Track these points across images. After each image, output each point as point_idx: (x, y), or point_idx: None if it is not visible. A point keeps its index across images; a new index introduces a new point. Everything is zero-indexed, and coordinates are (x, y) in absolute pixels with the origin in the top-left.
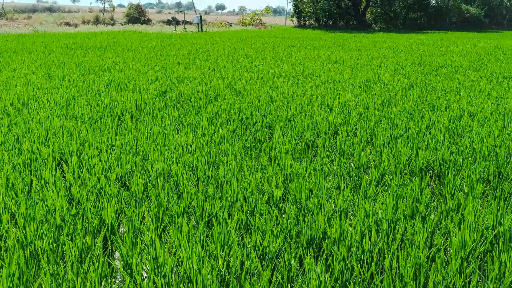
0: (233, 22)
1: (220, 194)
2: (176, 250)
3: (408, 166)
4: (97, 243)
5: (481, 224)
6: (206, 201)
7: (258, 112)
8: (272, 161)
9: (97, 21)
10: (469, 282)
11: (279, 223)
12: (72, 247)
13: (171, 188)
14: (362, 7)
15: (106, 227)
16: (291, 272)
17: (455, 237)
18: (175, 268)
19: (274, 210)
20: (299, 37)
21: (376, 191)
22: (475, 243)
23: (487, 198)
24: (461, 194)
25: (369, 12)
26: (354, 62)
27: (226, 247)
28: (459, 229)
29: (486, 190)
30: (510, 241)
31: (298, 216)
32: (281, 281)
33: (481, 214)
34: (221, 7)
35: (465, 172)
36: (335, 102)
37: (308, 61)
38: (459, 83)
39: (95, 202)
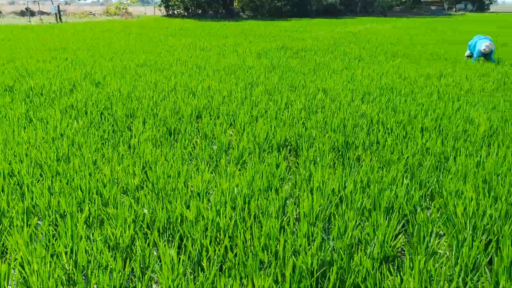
0: (97, 13)
1: (70, 189)
2: (16, 255)
3: (267, 143)
4: None
5: (328, 189)
6: (53, 198)
7: (119, 101)
8: (132, 150)
9: None
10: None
11: (134, 211)
12: None
13: (14, 189)
14: None
15: None
16: (145, 260)
17: (303, 204)
18: (12, 274)
19: (128, 199)
20: (167, 26)
21: (236, 169)
22: (321, 207)
23: (335, 166)
24: (313, 165)
25: (237, 1)
26: (221, 49)
27: (73, 243)
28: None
29: (335, 158)
30: (352, 203)
31: (154, 202)
32: (135, 268)
33: (329, 181)
34: None
35: (317, 144)
36: (199, 87)
37: (175, 49)
38: (316, 64)
39: None
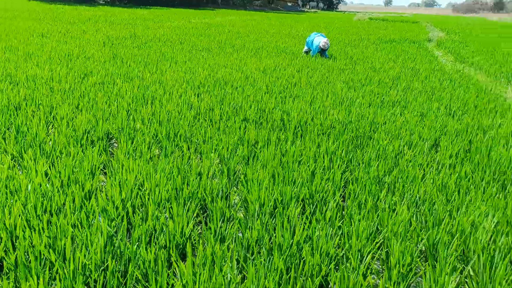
0: None
1: None
2: None
3: (88, 136)
4: None
5: (131, 181)
6: None
7: None
8: None
9: None
10: None
11: None
12: None
13: None
14: None
15: None
16: None
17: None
18: None
19: None
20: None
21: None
22: (126, 196)
23: (153, 158)
24: (132, 158)
25: None
26: (63, 36)
27: None
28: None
29: (156, 149)
30: (155, 193)
31: None
32: None
33: (132, 172)
34: None
35: (138, 137)
36: (22, 77)
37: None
38: (161, 54)
39: None
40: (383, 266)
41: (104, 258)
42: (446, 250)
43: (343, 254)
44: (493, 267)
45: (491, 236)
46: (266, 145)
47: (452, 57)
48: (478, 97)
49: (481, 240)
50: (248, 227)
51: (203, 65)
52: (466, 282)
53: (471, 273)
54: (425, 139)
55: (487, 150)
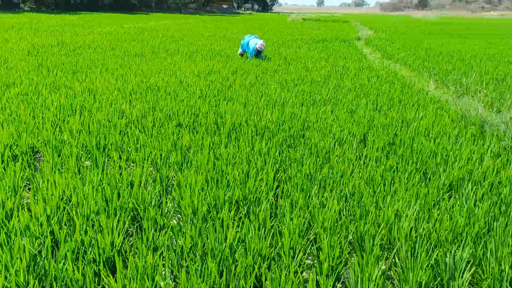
0: None
1: None
2: None
3: (8, 151)
4: None
5: (57, 195)
6: None
7: None
8: None
9: None
10: None
11: None
12: None
13: None
14: None
15: None
16: None
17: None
18: None
19: None
20: None
21: None
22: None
23: (80, 171)
24: (58, 172)
25: None
26: None
27: None
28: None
29: (86, 160)
30: (82, 206)
31: None
32: None
33: (59, 186)
34: None
35: (65, 150)
36: None
37: None
38: (91, 61)
39: None
40: (315, 261)
41: (28, 279)
42: (372, 240)
43: (277, 252)
44: (415, 253)
45: (414, 223)
46: (199, 150)
47: (380, 54)
48: (403, 92)
49: (404, 228)
50: (181, 234)
51: (136, 71)
52: (391, 269)
53: (396, 260)
54: (354, 135)
55: (410, 142)
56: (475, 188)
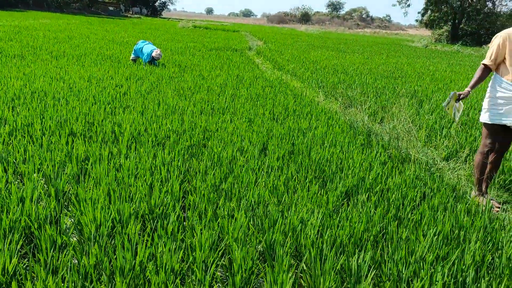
0: None
1: None
2: None
3: None
4: None
5: None
6: None
7: None
8: None
9: None
10: None
11: None
12: None
13: None
14: None
15: None
16: None
17: None
18: None
19: None
20: None
21: None
22: None
23: None
24: None
25: None
26: None
27: None
28: None
29: None
30: None
31: None
32: None
33: None
34: None
35: None
36: None
37: None
38: None
39: None
40: (227, 273)
41: None
42: (282, 249)
43: (188, 267)
44: (323, 259)
45: (318, 230)
46: (98, 160)
47: (271, 65)
48: (296, 102)
49: (310, 235)
50: (84, 252)
51: (17, 74)
52: (301, 276)
53: (305, 267)
54: (255, 144)
55: (307, 151)
56: (368, 195)
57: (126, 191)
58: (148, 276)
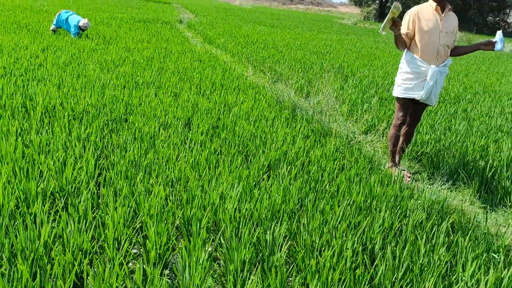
0: None
1: None
2: None
3: None
4: None
5: None
6: None
7: None
8: None
9: None
10: None
11: None
12: None
13: None
14: None
15: None
16: None
17: None
18: None
19: None
20: None
21: None
22: None
23: None
24: None
25: None
26: None
27: None
28: None
29: None
30: None
31: None
32: None
33: None
34: None
35: None
36: None
37: None
38: None
39: None
40: (142, 250)
41: None
42: (199, 224)
43: (99, 245)
44: (239, 233)
45: (237, 204)
46: (4, 137)
47: (202, 39)
48: (224, 76)
49: (228, 210)
50: None
51: None
52: (217, 250)
53: (222, 241)
54: (179, 119)
55: (232, 125)
56: (289, 168)
57: (35, 168)
58: (53, 256)
